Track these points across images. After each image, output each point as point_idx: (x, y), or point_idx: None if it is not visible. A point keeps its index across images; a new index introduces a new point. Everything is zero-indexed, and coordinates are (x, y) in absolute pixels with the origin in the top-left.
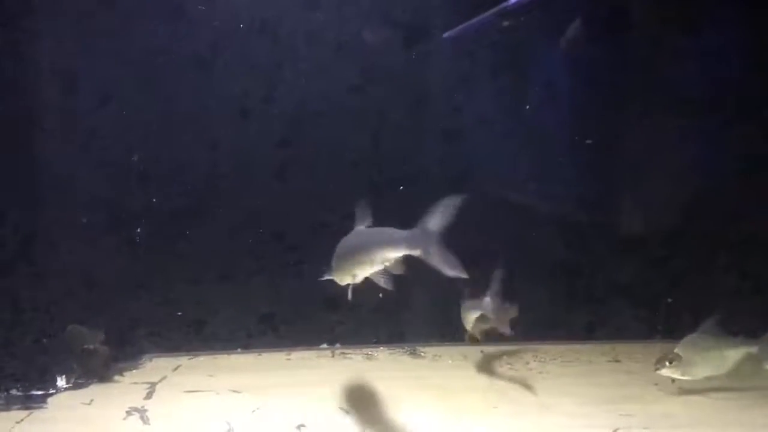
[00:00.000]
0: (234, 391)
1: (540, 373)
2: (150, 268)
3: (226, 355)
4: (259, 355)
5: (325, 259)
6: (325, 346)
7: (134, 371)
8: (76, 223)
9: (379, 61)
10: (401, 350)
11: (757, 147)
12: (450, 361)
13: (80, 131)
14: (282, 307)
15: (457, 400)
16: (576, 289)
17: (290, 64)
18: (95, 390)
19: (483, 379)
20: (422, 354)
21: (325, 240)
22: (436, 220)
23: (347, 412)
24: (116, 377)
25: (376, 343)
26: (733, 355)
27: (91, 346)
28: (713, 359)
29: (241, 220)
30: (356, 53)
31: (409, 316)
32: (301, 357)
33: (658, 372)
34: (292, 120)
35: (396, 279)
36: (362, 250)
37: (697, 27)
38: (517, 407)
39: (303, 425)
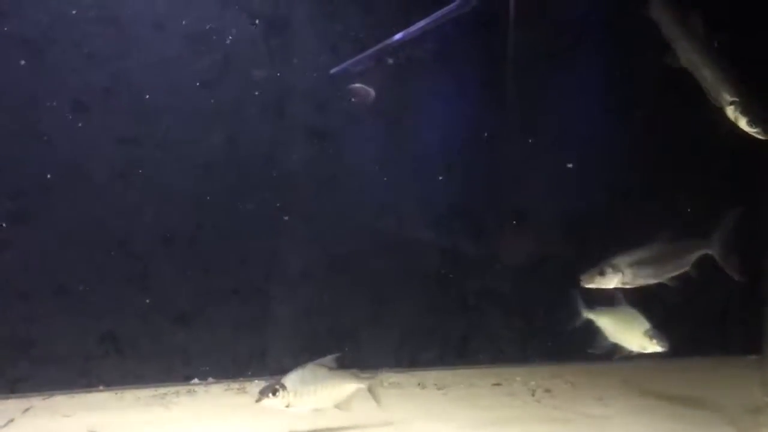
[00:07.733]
0: None
1: (421, 397)
2: None
3: (83, 394)
4: (121, 391)
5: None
6: (196, 381)
7: None
8: None
9: (235, 51)
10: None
11: None
12: None
13: None
14: (126, 325)
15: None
16: (450, 300)
17: (135, 54)
18: None
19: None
20: None
21: (175, 250)
22: None
23: None
24: None
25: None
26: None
27: None
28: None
29: (78, 226)
30: (208, 43)
31: (273, 330)
32: (168, 392)
33: (259, 403)
34: (137, 115)
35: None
36: None
37: None
38: None
39: None
